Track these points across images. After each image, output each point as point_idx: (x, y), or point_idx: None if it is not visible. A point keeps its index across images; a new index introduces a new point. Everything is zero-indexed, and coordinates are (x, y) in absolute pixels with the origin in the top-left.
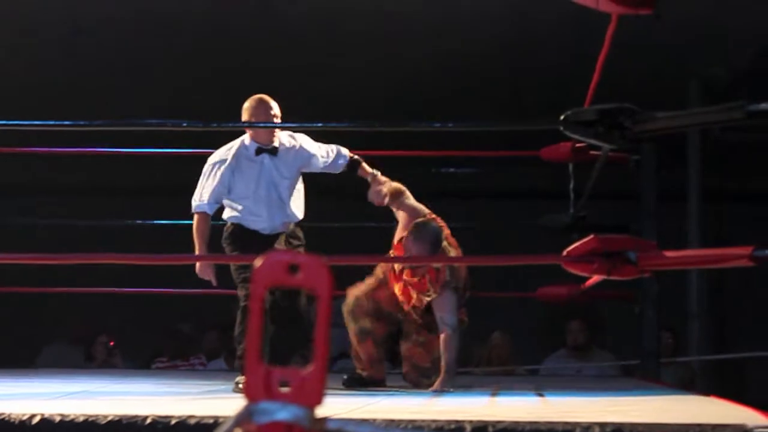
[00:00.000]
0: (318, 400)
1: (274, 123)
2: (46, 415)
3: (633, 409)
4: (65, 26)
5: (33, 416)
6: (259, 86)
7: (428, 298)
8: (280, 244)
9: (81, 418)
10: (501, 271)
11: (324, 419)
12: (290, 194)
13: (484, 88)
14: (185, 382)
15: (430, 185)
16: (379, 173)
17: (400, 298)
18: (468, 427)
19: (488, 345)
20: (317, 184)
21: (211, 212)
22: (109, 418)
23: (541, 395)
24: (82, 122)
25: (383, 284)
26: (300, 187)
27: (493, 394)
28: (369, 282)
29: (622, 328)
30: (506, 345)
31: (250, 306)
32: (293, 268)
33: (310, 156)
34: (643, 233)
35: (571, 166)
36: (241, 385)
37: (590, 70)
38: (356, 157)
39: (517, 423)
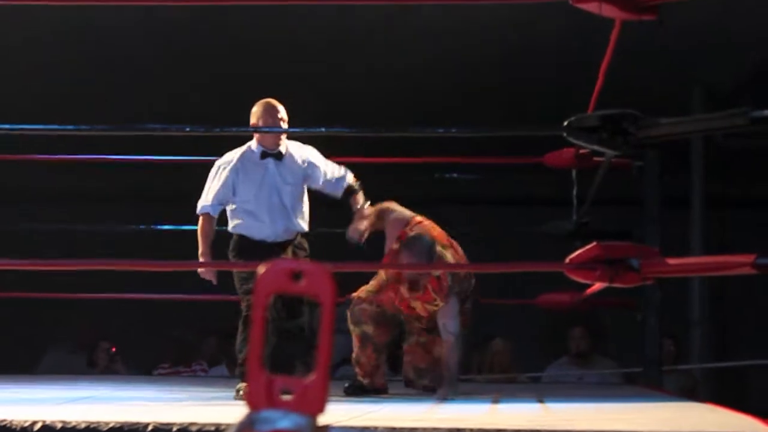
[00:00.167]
0: (320, 409)
1: (279, 128)
2: (47, 422)
3: (635, 417)
4: (68, 31)
5: (35, 423)
6: (261, 92)
7: (435, 308)
8: (287, 255)
9: (83, 425)
10: (503, 278)
11: (326, 427)
12: (294, 202)
13: (487, 95)
14: (187, 388)
15: (433, 191)
16: (366, 206)
17: (404, 311)
18: None
19: (489, 352)
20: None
21: (214, 214)
22: (111, 425)
23: (542, 403)
24: (84, 126)
25: (386, 286)
26: (305, 200)
27: (495, 402)
28: (373, 284)
29: (624, 336)
30: (507, 352)
31: (253, 313)
32: (296, 276)
33: (314, 167)
34: (645, 239)
35: (574, 173)
36: (242, 392)
37: (593, 76)
38: (357, 185)
39: (518, 431)
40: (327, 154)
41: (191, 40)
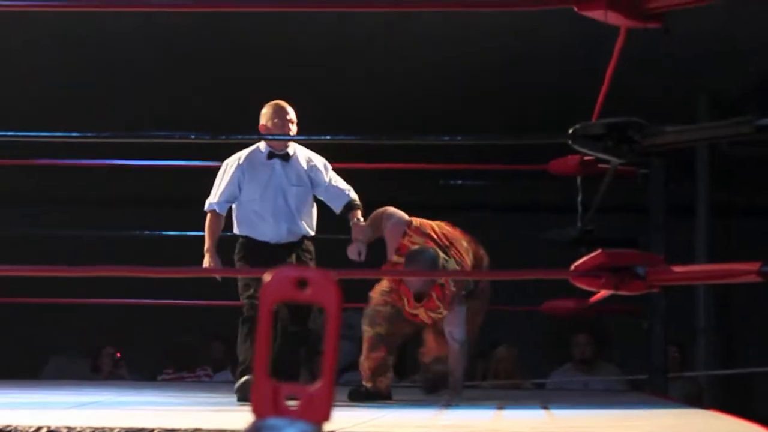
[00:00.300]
0: (326, 417)
1: (287, 128)
2: (52, 427)
3: (639, 424)
4: (68, 35)
5: (40, 428)
6: (261, 97)
7: (439, 316)
8: (291, 259)
9: (88, 430)
10: (507, 285)
11: None
12: (299, 204)
13: (487, 101)
14: (191, 394)
15: (437, 198)
16: (361, 221)
17: (408, 318)
18: None
19: (494, 358)
20: None
21: (221, 211)
22: (116, 430)
23: (547, 409)
24: (90, 134)
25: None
26: (312, 203)
27: (499, 408)
28: (385, 284)
29: (628, 342)
30: (511, 358)
31: (259, 321)
32: (302, 284)
33: (317, 171)
34: (651, 247)
35: (579, 180)
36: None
37: (597, 84)
38: (357, 202)
39: None
40: (329, 161)
41: (192, 45)
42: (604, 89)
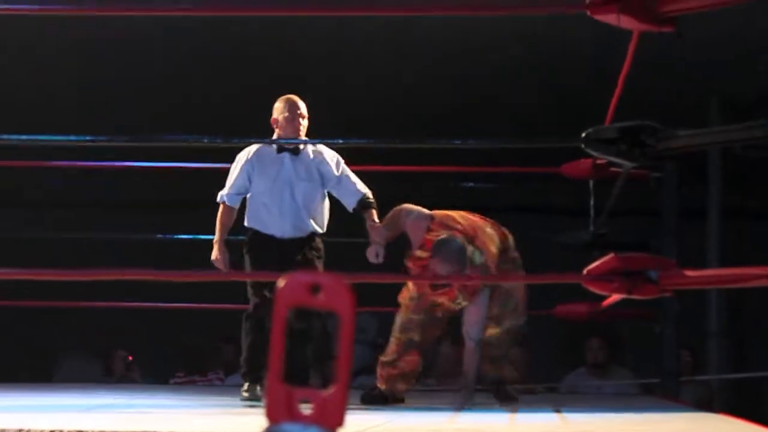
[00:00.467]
0: (339, 422)
1: (298, 123)
2: (65, 430)
3: (651, 428)
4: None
5: (52, 431)
6: (263, 102)
7: (458, 306)
8: (297, 256)
9: None
10: None
11: None
12: (307, 200)
13: (502, 106)
14: (203, 397)
15: (449, 200)
16: (377, 222)
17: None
18: None
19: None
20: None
21: (231, 203)
22: None
23: (559, 413)
24: (102, 138)
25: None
26: (323, 201)
27: (513, 412)
28: (414, 288)
29: (641, 347)
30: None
31: (273, 327)
32: (315, 289)
33: (326, 166)
34: (663, 251)
35: (591, 183)
36: (246, 393)
37: (610, 88)
38: (372, 200)
39: None
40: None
41: (193, 51)
42: (617, 93)
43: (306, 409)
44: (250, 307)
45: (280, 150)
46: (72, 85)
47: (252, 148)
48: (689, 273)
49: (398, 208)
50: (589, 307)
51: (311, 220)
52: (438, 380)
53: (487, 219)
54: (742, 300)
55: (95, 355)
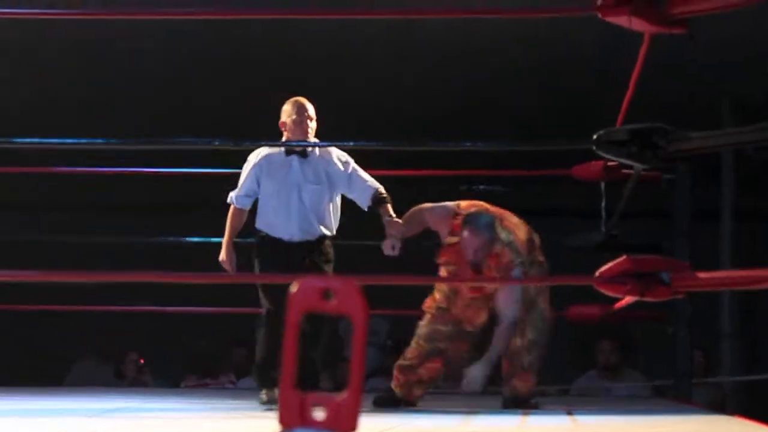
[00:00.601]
0: (352, 427)
1: (306, 125)
2: None
3: (663, 431)
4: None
5: None
6: (265, 106)
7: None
8: (304, 258)
9: None
10: None
11: None
12: (315, 203)
13: (515, 108)
14: (215, 401)
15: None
16: (394, 217)
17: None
18: None
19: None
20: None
21: (239, 205)
22: None
23: (571, 415)
24: (113, 140)
25: (453, 297)
26: (333, 204)
27: (524, 415)
28: (440, 298)
29: (653, 348)
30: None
31: (285, 333)
32: (327, 294)
33: (335, 167)
34: (675, 252)
35: (603, 185)
36: (265, 397)
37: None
38: (385, 195)
39: None
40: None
41: (194, 53)
42: (628, 95)
43: (319, 414)
44: (263, 312)
45: (289, 153)
46: (72, 87)
47: (262, 151)
48: (702, 275)
49: (417, 207)
50: (601, 309)
51: (319, 224)
52: (447, 381)
53: (514, 214)
54: (754, 301)
55: (106, 359)
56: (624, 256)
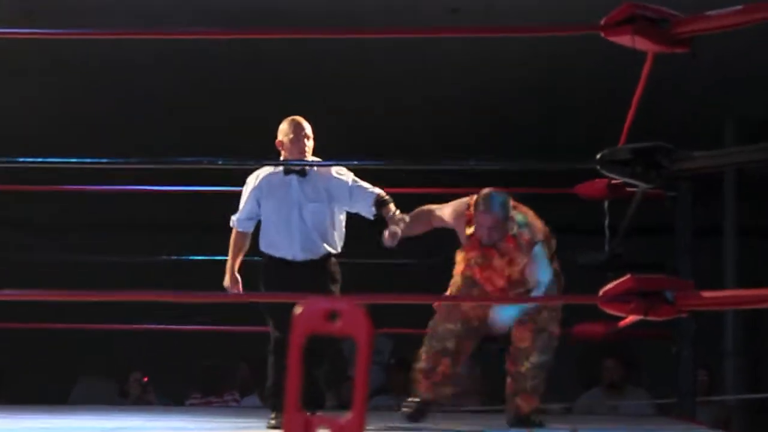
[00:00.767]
0: None
1: (303, 143)
2: None
3: None
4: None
5: None
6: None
7: (516, 268)
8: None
9: None
10: None
11: None
12: (317, 221)
13: (520, 126)
14: (219, 418)
15: None
16: (398, 213)
17: (489, 288)
18: None
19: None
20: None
21: (242, 228)
22: None
23: None
24: (119, 160)
25: (467, 290)
26: (336, 222)
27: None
28: (453, 290)
29: (657, 366)
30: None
31: (289, 354)
32: (333, 316)
33: (338, 183)
34: (678, 270)
35: (606, 203)
36: (273, 422)
37: (624, 109)
38: (387, 197)
39: None
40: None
41: (201, 74)
42: (631, 114)
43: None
44: (271, 340)
45: (288, 172)
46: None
47: (260, 173)
48: (705, 294)
49: (426, 207)
50: (605, 326)
51: (323, 242)
52: (457, 398)
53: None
54: (758, 320)
55: (110, 377)
56: (628, 275)
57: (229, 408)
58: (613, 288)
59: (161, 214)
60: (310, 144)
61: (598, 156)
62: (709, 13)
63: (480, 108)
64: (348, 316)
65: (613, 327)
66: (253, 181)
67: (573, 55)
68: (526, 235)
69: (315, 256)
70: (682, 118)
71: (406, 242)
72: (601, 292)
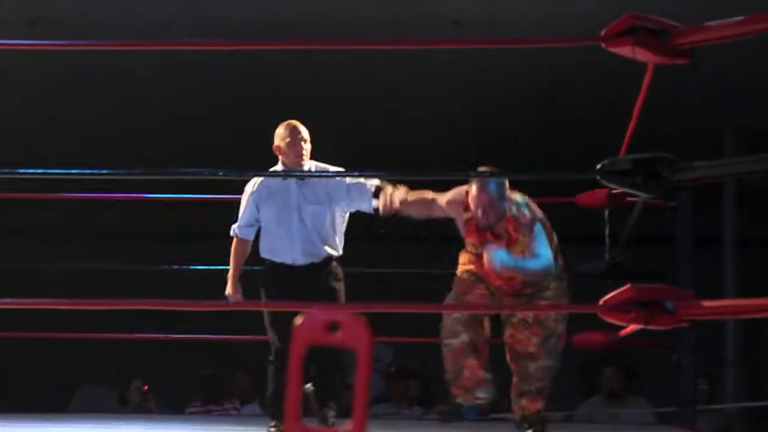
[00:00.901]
0: None
1: (300, 147)
2: None
3: None
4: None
5: None
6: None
7: (524, 245)
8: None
9: None
10: None
11: None
12: (317, 224)
13: (520, 136)
14: (219, 427)
15: None
16: (398, 187)
17: (497, 282)
18: None
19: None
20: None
21: (243, 236)
22: None
23: None
24: (121, 171)
25: (470, 288)
26: (336, 225)
27: None
28: (456, 292)
29: (658, 375)
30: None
31: (289, 365)
32: (333, 327)
33: (336, 183)
34: (678, 280)
35: (606, 212)
36: (273, 430)
37: (625, 119)
38: (381, 184)
39: None
40: None
41: (203, 84)
42: (632, 124)
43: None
44: (272, 350)
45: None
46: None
47: (258, 179)
48: (706, 303)
49: (430, 196)
50: (605, 335)
51: (324, 244)
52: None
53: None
54: (758, 329)
55: (110, 385)
56: (628, 285)
57: (229, 416)
58: (613, 297)
59: (162, 223)
60: (307, 147)
61: (599, 166)
62: (709, 24)
63: (481, 118)
64: (348, 327)
65: (613, 336)
66: (250, 187)
67: (573, 66)
68: (525, 215)
69: (316, 260)
70: (682, 128)
71: (407, 248)
72: (601, 301)
